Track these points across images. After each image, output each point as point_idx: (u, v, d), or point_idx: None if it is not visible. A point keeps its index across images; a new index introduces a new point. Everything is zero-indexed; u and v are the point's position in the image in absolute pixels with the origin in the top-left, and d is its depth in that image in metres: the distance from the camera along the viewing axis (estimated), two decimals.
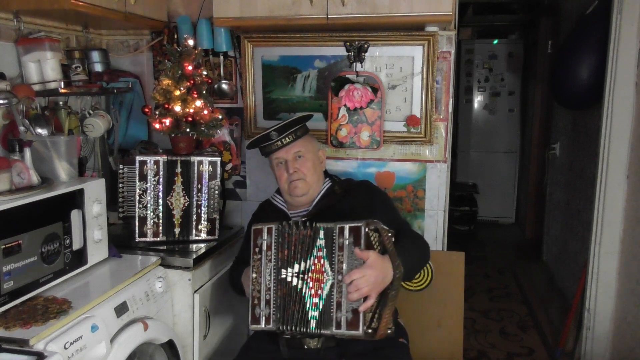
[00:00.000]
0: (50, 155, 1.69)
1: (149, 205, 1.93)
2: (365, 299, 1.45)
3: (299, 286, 1.54)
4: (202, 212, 2.00)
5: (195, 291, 1.91)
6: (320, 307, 1.51)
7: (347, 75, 2.14)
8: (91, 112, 2.19)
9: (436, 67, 2.10)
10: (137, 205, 1.92)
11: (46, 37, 1.91)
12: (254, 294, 1.58)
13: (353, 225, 1.48)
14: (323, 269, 1.52)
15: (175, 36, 2.30)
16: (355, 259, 1.47)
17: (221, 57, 2.30)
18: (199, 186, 1.98)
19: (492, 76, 5.69)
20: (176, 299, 1.90)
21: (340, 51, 2.17)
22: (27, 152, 1.57)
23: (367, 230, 1.47)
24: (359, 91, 2.10)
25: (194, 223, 2.00)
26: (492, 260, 4.59)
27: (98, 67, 2.23)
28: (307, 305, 1.52)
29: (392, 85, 2.17)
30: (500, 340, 3.14)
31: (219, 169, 2.00)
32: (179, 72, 1.92)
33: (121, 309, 1.58)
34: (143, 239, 1.95)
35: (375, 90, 2.11)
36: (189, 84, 1.93)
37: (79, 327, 1.40)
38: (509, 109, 5.71)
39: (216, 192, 2.01)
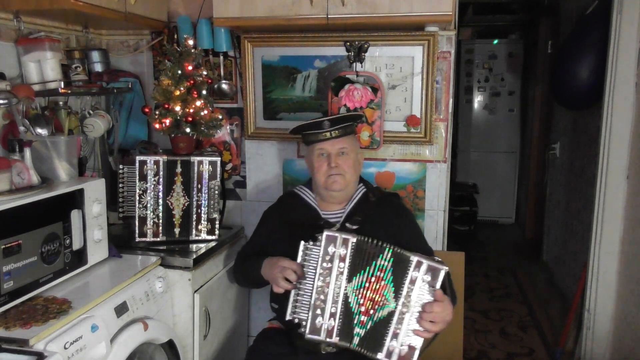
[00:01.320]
0: (50, 155, 1.69)
1: (149, 205, 1.93)
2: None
3: (350, 299, 1.54)
4: (202, 212, 2.00)
5: (195, 291, 1.91)
6: (368, 327, 1.51)
7: (347, 75, 2.14)
8: (91, 112, 2.19)
9: (436, 67, 2.10)
10: (137, 205, 1.92)
11: (46, 37, 1.91)
12: (317, 303, 1.53)
13: (433, 265, 1.48)
14: (383, 293, 1.51)
15: (175, 36, 2.30)
16: (425, 296, 1.48)
17: (221, 57, 2.30)
18: (199, 186, 1.98)
19: (492, 76, 5.69)
20: (176, 299, 1.90)
21: (340, 51, 2.17)
22: (27, 152, 1.57)
23: (445, 274, 1.48)
24: (359, 91, 2.10)
25: (194, 223, 2.00)
26: (492, 260, 4.59)
27: (98, 67, 2.23)
28: (354, 321, 1.53)
29: (392, 85, 2.17)
30: (500, 340, 3.14)
31: (219, 169, 2.00)
32: (179, 72, 1.92)
33: (121, 309, 1.58)
34: (143, 239, 1.95)
35: (375, 90, 2.11)
36: (189, 84, 1.93)
37: (79, 327, 1.40)
38: (509, 109, 5.71)
39: (216, 192, 2.01)
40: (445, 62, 2.13)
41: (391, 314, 1.50)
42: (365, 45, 2.13)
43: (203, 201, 1.99)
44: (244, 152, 2.39)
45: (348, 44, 2.14)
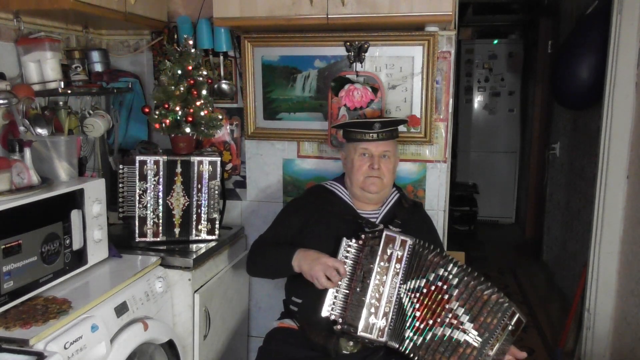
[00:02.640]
0: (50, 155, 1.69)
1: (149, 205, 1.93)
2: None
3: (403, 299, 1.56)
4: (202, 212, 2.00)
5: (195, 291, 1.91)
6: (428, 338, 1.54)
7: (347, 75, 2.14)
8: (91, 112, 2.19)
9: (436, 67, 2.10)
10: (137, 205, 1.92)
11: (46, 37, 1.91)
12: (372, 302, 1.55)
13: (521, 318, 1.55)
14: (448, 307, 1.55)
15: (175, 36, 2.30)
16: (506, 342, 1.54)
17: (221, 57, 2.30)
18: (199, 186, 1.98)
19: (492, 76, 5.69)
20: (176, 299, 1.90)
21: (340, 51, 2.17)
22: (27, 152, 1.56)
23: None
24: (359, 91, 2.10)
25: (194, 223, 2.00)
26: (492, 260, 4.59)
27: (98, 67, 2.23)
28: (407, 324, 1.55)
29: (392, 85, 2.17)
30: None
31: (219, 169, 2.00)
32: (179, 72, 1.92)
33: (121, 309, 1.58)
34: (143, 239, 1.95)
35: (375, 90, 2.11)
36: (188, 84, 1.93)
37: (79, 327, 1.40)
38: (509, 109, 5.71)
39: (216, 192, 2.01)
40: (445, 62, 2.13)
41: (475, 350, 1.52)
42: (365, 45, 2.13)
43: (203, 201, 1.99)
44: (244, 152, 2.39)
45: (348, 44, 2.14)
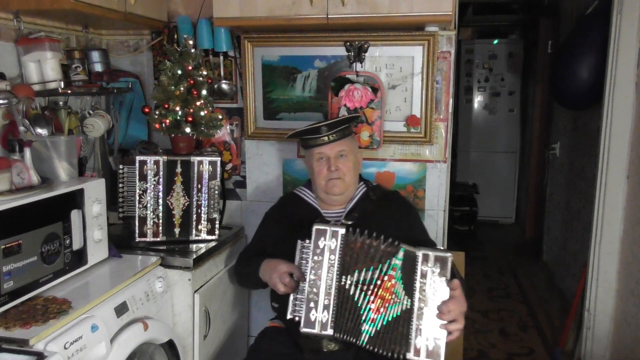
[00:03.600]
0: (50, 155, 1.69)
1: (149, 205, 1.93)
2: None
3: (356, 296, 1.53)
4: (202, 212, 2.00)
5: (195, 291, 1.91)
6: (379, 325, 1.51)
7: (347, 75, 2.14)
8: (91, 112, 2.19)
9: (436, 67, 2.10)
10: (137, 205, 1.92)
11: (46, 37, 1.91)
12: (310, 297, 1.53)
13: (439, 255, 1.50)
14: (394, 290, 1.51)
15: (175, 36, 2.30)
16: (439, 287, 1.49)
17: (221, 57, 2.30)
18: (199, 186, 1.98)
19: (492, 76, 5.69)
20: (176, 299, 1.90)
21: (340, 51, 2.17)
22: (27, 152, 1.57)
23: (452, 261, 1.49)
24: (359, 91, 2.10)
25: (194, 223, 2.00)
26: (492, 260, 4.59)
27: (98, 67, 2.23)
28: (363, 318, 1.52)
29: (392, 85, 2.16)
30: (500, 340, 3.14)
31: (219, 169, 2.00)
32: (179, 72, 1.92)
33: (121, 309, 1.58)
34: (143, 239, 1.95)
35: (375, 90, 2.11)
36: (188, 84, 1.93)
37: (79, 327, 1.40)
38: (509, 109, 5.71)
39: (216, 192, 2.01)
40: (445, 62, 2.13)
41: (408, 312, 1.49)
42: (365, 45, 2.13)
43: (203, 201, 1.99)
44: (244, 152, 2.39)
45: (348, 44, 2.14)
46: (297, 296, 1.56)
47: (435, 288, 1.49)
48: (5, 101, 1.62)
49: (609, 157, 2.43)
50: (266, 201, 2.33)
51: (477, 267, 4.36)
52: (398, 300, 1.50)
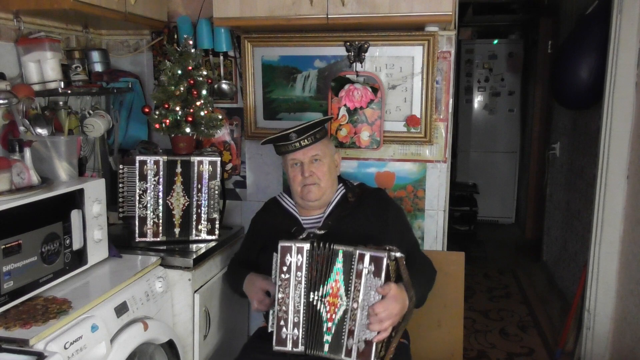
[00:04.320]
0: (50, 155, 1.69)
1: (149, 205, 1.93)
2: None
3: (319, 308, 1.52)
4: (202, 212, 2.00)
5: (195, 291, 1.91)
6: (333, 331, 1.50)
7: (347, 75, 2.14)
8: (91, 112, 2.19)
9: (436, 67, 2.10)
10: (137, 205, 1.92)
11: (46, 37, 1.91)
12: (280, 315, 1.53)
13: (375, 254, 1.45)
14: (338, 294, 1.50)
15: (175, 36, 2.30)
16: (373, 288, 1.45)
17: (221, 57, 2.30)
18: (199, 186, 1.98)
19: (492, 76, 5.69)
20: (176, 299, 1.90)
21: (340, 51, 2.17)
22: (27, 152, 1.57)
23: (388, 261, 1.44)
24: (359, 91, 2.10)
25: (194, 223, 2.00)
26: (492, 260, 4.60)
27: (98, 67, 2.23)
28: (323, 328, 1.51)
29: (392, 85, 2.16)
30: (500, 340, 3.14)
31: (219, 169, 2.00)
32: (179, 72, 1.92)
33: (121, 309, 1.58)
34: (143, 239, 1.95)
35: (375, 90, 2.11)
36: (189, 84, 1.93)
37: (79, 327, 1.40)
38: (509, 109, 5.71)
39: (216, 192, 2.01)
40: (445, 62, 2.13)
41: (345, 313, 1.49)
42: (365, 45, 2.13)
43: (203, 201, 1.99)
44: (244, 152, 2.39)
45: (348, 44, 2.14)
46: (274, 310, 1.57)
47: (369, 287, 1.45)
48: (5, 101, 1.62)
49: (609, 157, 2.43)
50: (266, 201, 2.32)
51: (477, 267, 4.36)
52: (342, 303, 1.49)
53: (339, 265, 1.50)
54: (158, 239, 1.96)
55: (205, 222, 2.01)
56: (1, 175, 1.43)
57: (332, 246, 1.51)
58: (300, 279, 1.52)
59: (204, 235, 2.02)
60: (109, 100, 2.37)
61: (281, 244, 1.53)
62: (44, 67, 1.89)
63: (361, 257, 1.46)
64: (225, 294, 2.14)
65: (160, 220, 1.95)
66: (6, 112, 1.71)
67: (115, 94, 2.29)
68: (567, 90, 2.93)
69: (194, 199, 1.98)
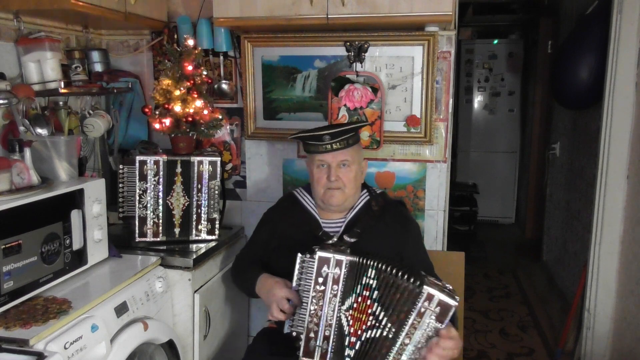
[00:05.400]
0: (50, 155, 1.69)
1: (149, 205, 1.93)
2: None
3: (342, 320, 1.49)
4: (202, 212, 2.00)
5: (195, 291, 1.91)
6: (357, 347, 1.47)
7: (347, 75, 2.14)
8: (91, 112, 2.19)
9: (436, 67, 2.10)
10: (137, 205, 1.92)
11: (46, 37, 1.91)
12: (310, 326, 1.48)
13: (446, 301, 1.40)
14: (369, 312, 1.46)
15: (175, 36, 2.30)
16: (432, 330, 1.42)
17: (221, 57, 2.30)
18: (199, 186, 1.98)
19: (492, 76, 5.69)
20: (176, 299, 1.90)
21: (340, 51, 2.17)
22: (27, 152, 1.57)
23: (455, 309, 1.41)
24: (359, 91, 2.10)
25: (194, 223, 2.00)
26: (492, 260, 4.60)
27: (98, 67, 2.23)
28: (345, 342, 1.49)
29: (392, 85, 2.16)
30: (500, 340, 3.14)
31: (219, 169, 2.00)
32: (179, 72, 1.92)
33: (121, 309, 1.58)
34: (143, 239, 1.95)
35: (375, 90, 2.11)
36: (189, 84, 1.93)
37: (79, 327, 1.40)
38: (509, 109, 5.71)
39: (216, 192, 2.01)
40: (445, 62, 2.13)
41: (389, 341, 1.44)
42: (365, 45, 2.13)
43: (203, 201, 1.99)
44: (244, 152, 2.39)
45: (348, 44, 2.14)
46: (295, 311, 1.54)
47: (427, 329, 1.42)
48: (5, 101, 1.62)
49: (609, 157, 2.43)
50: (266, 201, 2.33)
51: (477, 267, 4.36)
52: (378, 325, 1.45)
53: (370, 281, 1.46)
54: (158, 239, 1.96)
55: (205, 222, 2.01)
56: (1, 175, 1.43)
57: (379, 265, 1.45)
58: (336, 292, 1.47)
59: (204, 235, 2.02)
60: (109, 100, 2.37)
61: (319, 253, 1.47)
62: (44, 67, 1.89)
63: (429, 298, 1.41)
64: (225, 294, 2.14)
65: (160, 220, 1.95)
66: (6, 112, 1.71)
67: (115, 94, 2.29)
68: (567, 90, 2.94)
69: (194, 199, 1.98)
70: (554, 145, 3.97)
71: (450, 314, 1.40)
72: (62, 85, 1.91)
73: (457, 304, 1.41)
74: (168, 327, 1.80)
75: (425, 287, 1.40)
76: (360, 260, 1.47)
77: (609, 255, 2.49)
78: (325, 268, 1.47)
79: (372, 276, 1.46)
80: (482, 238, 5.14)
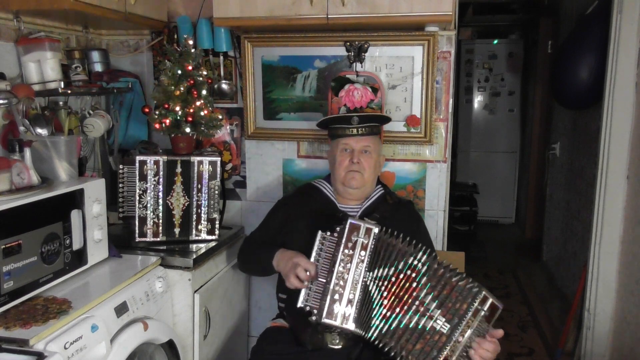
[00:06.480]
0: (50, 155, 1.69)
1: (149, 205, 1.93)
2: None
3: (372, 291, 1.55)
4: (202, 212, 2.00)
5: (195, 291, 1.91)
6: (394, 325, 1.51)
7: (347, 75, 2.14)
8: (91, 112, 2.19)
9: (436, 67, 2.10)
10: (137, 205, 1.92)
11: (46, 37, 1.91)
12: (336, 288, 1.54)
13: (495, 303, 1.52)
14: (415, 295, 1.52)
15: (175, 36, 2.30)
16: (482, 332, 1.52)
17: (221, 57, 2.30)
18: (199, 186, 1.98)
19: (492, 76, 5.70)
20: (176, 299, 1.90)
21: (340, 51, 2.17)
22: (27, 152, 1.56)
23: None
24: (359, 91, 2.09)
25: (194, 223, 2.00)
26: (492, 260, 4.60)
27: (98, 67, 2.23)
28: (374, 312, 1.53)
29: (392, 85, 2.17)
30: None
31: (219, 169, 2.00)
32: (179, 72, 1.92)
33: (121, 309, 1.58)
34: (143, 239, 1.95)
35: (375, 90, 2.10)
36: (189, 84, 1.93)
37: (79, 327, 1.40)
38: (509, 109, 5.71)
39: (216, 192, 2.01)
40: (445, 62, 2.13)
41: (442, 336, 1.49)
42: (365, 45, 2.13)
43: (203, 201, 1.99)
44: (244, 152, 2.39)
45: (348, 44, 2.14)
46: (311, 286, 1.58)
47: (478, 329, 1.52)
48: (5, 101, 1.62)
49: (609, 157, 2.43)
50: (266, 201, 2.33)
51: (477, 267, 4.36)
52: (428, 314, 1.50)
53: (419, 265, 1.53)
54: (158, 239, 1.96)
55: (205, 222, 2.01)
56: (1, 175, 1.43)
57: (412, 243, 1.56)
58: (363, 258, 1.55)
59: (204, 235, 2.02)
60: (109, 100, 2.37)
61: (350, 220, 1.57)
62: (44, 67, 1.89)
63: (485, 299, 1.51)
64: (225, 294, 2.14)
65: (160, 220, 1.95)
66: (6, 112, 1.71)
67: (115, 94, 2.29)
68: (567, 90, 2.94)
69: (194, 199, 1.98)
70: (554, 145, 3.97)
71: (497, 315, 1.52)
72: (62, 85, 1.91)
73: (502, 306, 1.54)
74: (168, 327, 1.80)
75: (483, 289, 1.50)
76: (390, 232, 1.57)
77: (609, 255, 2.49)
78: (355, 235, 1.56)
79: (423, 261, 1.53)
80: (482, 238, 5.14)
